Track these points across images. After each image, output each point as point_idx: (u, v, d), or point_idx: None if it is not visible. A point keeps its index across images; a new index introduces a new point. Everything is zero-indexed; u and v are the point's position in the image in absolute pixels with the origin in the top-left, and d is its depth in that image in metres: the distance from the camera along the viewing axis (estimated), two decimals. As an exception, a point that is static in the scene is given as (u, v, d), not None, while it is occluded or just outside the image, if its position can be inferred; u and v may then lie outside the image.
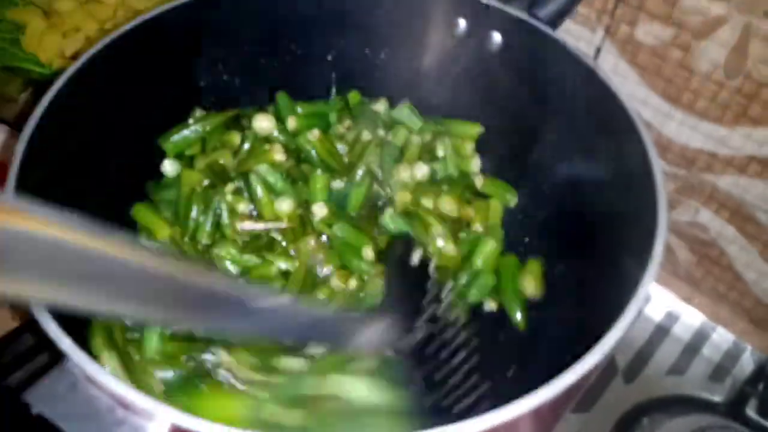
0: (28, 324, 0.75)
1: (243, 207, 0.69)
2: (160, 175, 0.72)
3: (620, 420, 0.70)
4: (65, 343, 0.41)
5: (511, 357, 0.64)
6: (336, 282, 0.67)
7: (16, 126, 0.87)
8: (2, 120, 0.89)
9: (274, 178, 0.69)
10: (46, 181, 0.56)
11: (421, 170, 0.72)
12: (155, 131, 0.72)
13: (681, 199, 0.79)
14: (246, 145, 0.72)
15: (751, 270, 0.78)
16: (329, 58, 0.79)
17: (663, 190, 0.52)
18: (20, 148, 0.53)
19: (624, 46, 0.74)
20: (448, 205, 0.71)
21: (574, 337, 0.49)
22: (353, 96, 0.79)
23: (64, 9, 0.91)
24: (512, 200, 0.74)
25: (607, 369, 0.75)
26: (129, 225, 0.69)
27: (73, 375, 0.39)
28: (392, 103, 0.78)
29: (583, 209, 0.66)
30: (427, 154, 0.75)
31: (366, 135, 0.74)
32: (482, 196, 0.75)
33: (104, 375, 0.38)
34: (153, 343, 0.57)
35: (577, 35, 0.77)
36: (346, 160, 0.73)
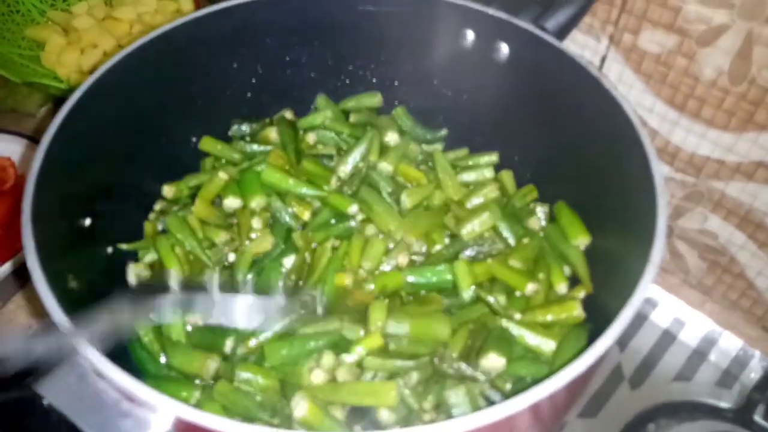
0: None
1: None
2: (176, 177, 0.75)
3: (626, 426, 0.70)
4: (75, 338, 0.42)
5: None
6: None
7: (34, 140, 0.90)
8: (21, 134, 0.91)
9: None
10: (63, 192, 0.58)
11: None
12: (168, 140, 0.74)
13: (689, 206, 0.79)
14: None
15: (763, 277, 0.78)
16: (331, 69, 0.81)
17: (663, 195, 0.52)
18: (38, 158, 0.55)
19: (628, 54, 0.74)
20: None
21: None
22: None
23: (82, 26, 0.94)
24: None
25: (614, 375, 0.75)
26: (138, 237, 0.71)
27: (83, 368, 0.40)
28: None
29: (583, 213, 0.68)
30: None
31: None
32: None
33: (111, 368, 0.40)
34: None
35: (582, 44, 0.78)
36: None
